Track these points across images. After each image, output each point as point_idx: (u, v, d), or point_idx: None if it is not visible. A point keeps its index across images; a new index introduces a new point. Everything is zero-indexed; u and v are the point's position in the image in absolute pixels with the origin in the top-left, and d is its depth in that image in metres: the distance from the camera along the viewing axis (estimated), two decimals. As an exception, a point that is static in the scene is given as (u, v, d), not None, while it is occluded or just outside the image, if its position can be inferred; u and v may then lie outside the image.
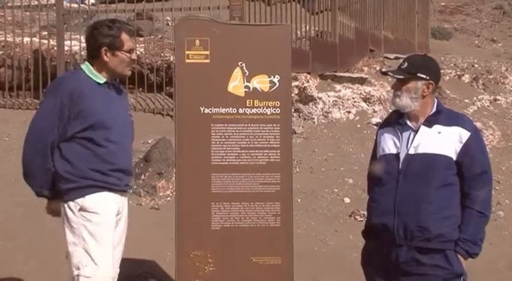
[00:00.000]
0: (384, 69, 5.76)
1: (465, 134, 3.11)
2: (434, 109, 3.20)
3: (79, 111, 3.27)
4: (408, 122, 3.22)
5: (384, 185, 3.21)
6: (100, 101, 3.35)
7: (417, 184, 3.11)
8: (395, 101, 3.22)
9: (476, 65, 11.38)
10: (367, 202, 3.42)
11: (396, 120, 3.27)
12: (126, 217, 3.58)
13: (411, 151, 3.15)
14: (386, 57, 11.37)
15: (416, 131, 3.18)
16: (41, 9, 9.86)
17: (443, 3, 19.57)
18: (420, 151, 3.13)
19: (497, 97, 10.53)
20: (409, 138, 3.18)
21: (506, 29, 17.87)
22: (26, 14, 9.67)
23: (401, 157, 3.17)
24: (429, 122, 3.17)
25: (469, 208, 3.11)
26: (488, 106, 10.26)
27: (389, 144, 3.25)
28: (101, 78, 3.40)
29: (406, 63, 3.21)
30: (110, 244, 3.34)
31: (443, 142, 3.11)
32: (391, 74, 3.25)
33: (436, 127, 3.15)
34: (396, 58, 11.32)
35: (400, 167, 3.15)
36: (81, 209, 3.30)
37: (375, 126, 9.06)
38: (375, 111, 9.40)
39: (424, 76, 3.16)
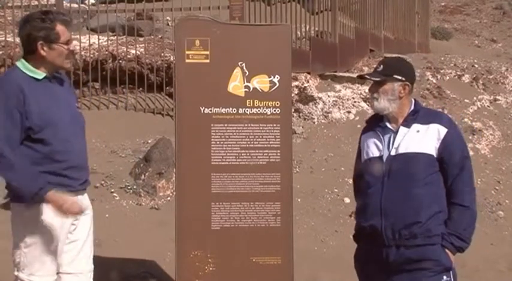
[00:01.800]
0: (359, 74, 5.85)
1: (442, 130, 3.16)
2: (412, 109, 3.26)
3: (25, 111, 3.13)
4: (388, 124, 3.28)
5: (369, 188, 3.26)
6: (41, 99, 3.20)
7: (401, 183, 3.16)
8: (373, 104, 3.29)
9: (476, 65, 11.37)
10: (355, 206, 3.47)
11: (377, 124, 3.33)
12: (90, 214, 3.47)
13: (393, 152, 3.20)
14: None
15: (396, 132, 3.23)
16: (41, 9, 9.85)
17: (443, 3, 19.55)
18: (401, 151, 3.18)
19: (497, 97, 10.53)
20: (390, 140, 3.24)
21: (506, 29, 17.86)
22: (26, 14, 9.66)
23: (384, 159, 3.22)
24: (407, 122, 3.23)
25: (452, 202, 3.17)
26: (488, 106, 10.26)
27: (372, 148, 3.30)
28: (39, 74, 3.24)
29: (381, 66, 3.29)
30: (49, 250, 3.24)
31: (423, 140, 3.17)
32: (368, 77, 3.31)
33: (415, 126, 3.21)
34: (396, 58, 11.30)
35: (383, 168, 3.20)
36: (26, 213, 3.20)
37: (375, 126, 9.06)
38: (374, 112, 9.39)
39: (399, 77, 3.22)
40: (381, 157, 3.24)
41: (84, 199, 3.43)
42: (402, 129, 3.22)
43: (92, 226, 3.51)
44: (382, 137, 3.27)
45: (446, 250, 3.14)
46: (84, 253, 3.44)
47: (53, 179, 3.21)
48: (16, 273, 3.27)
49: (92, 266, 3.49)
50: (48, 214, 3.22)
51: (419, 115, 3.24)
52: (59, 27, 3.24)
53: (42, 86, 3.25)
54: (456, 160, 3.17)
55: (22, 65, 3.26)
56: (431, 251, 3.14)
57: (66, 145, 3.25)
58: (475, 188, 3.29)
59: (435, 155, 3.16)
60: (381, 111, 3.27)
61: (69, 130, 3.28)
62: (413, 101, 3.30)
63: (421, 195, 3.14)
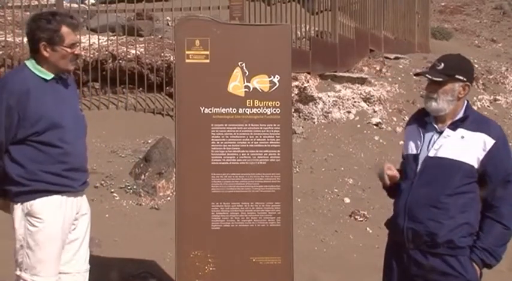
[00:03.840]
0: (417, 70, 5.56)
1: (489, 142, 2.97)
2: (462, 112, 3.08)
3: (29, 112, 3.14)
4: (433, 123, 3.10)
5: (401, 186, 3.14)
6: (49, 100, 3.20)
7: (431, 188, 3.02)
8: (430, 105, 3.06)
9: (476, 65, 11.37)
10: None
11: (421, 119, 3.16)
12: (88, 215, 3.49)
13: (431, 153, 3.05)
14: (387, 57, 11.37)
15: (440, 133, 3.07)
16: (41, 9, 9.85)
17: (443, 3, 19.55)
18: (440, 154, 3.02)
19: (497, 97, 10.54)
20: (431, 140, 3.08)
21: (506, 29, 17.86)
22: (26, 14, 9.66)
23: (421, 158, 3.08)
24: (455, 126, 3.05)
25: (490, 218, 3.01)
26: (488, 106, 10.26)
27: (411, 143, 3.15)
28: (48, 74, 3.24)
29: (442, 64, 3.06)
30: (52, 251, 3.26)
31: (466, 148, 3.00)
32: (429, 76, 3.06)
33: (460, 131, 3.03)
34: (396, 58, 11.33)
35: (417, 169, 3.07)
36: (28, 213, 3.22)
37: (375, 126, 9.07)
38: (374, 111, 9.40)
39: (462, 78, 3.03)
40: (416, 155, 3.09)
41: (82, 200, 3.45)
42: (447, 132, 3.04)
43: (89, 226, 3.52)
44: (422, 135, 3.10)
45: (474, 264, 3.02)
46: (81, 253, 3.45)
47: (55, 180, 3.23)
48: (18, 273, 3.28)
49: (88, 266, 3.50)
50: (50, 215, 3.24)
51: (468, 120, 3.05)
52: (64, 30, 3.23)
53: (49, 86, 3.25)
54: (500, 175, 2.99)
55: (31, 64, 3.26)
56: (456, 264, 3.01)
57: (70, 147, 3.27)
58: None
59: (476, 166, 2.98)
60: (436, 112, 3.07)
61: (73, 132, 3.29)
62: (465, 103, 3.10)
63: (448, 204, 2.99)
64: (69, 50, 3.25)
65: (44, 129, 3.18)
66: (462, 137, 3.02)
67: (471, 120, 3.05)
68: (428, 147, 3.07)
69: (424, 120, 3.14)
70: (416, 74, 3.39)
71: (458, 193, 2.99)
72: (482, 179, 3.01)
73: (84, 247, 3.46)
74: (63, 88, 3.35)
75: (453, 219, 2.99)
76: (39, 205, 3.22)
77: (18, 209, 3.24)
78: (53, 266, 3.28)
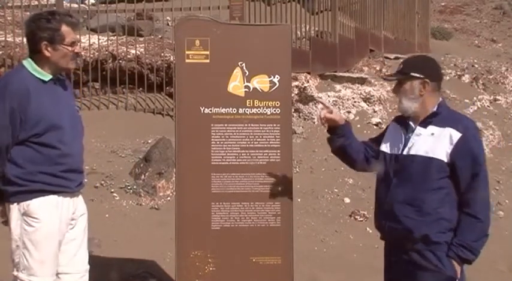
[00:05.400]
0: (385, 75, 5.63)
1: (456, 135, 3.01)
2: (435, 109, 3.13)
3: (29, 114, 3.14)
4: (411, 123, 3.17)
5: (380, 183, 3.24)
6: (48, 102, 3.20)
7: (407, 186, 3.08)
8: (399, 106, 3.19)
9: (476, 65, 11.38)
10: None
11: (405, 119, 3.22)
12: (85, 215, 3.49)
13: (405, 152, 3.12)
14: (387, 57, 11.38)
15: (412, 132, 3.14)
16: (41, 9, 9.86)
17: (443, 3, 19.56)
18: (412, 152, 3.09)
19: (497, 97, 10.53)
20: (407, 139, 3.15)
21: (506, 29, 17.87)
22: (26, 14, 9.66)
23: (399, 157, 3.15)
24: (425, 123, 3.11)
25: (465, 213, 3.03)
26: (488, 106, 10.26)
27: (390, 141, 3.23)
28: (46, 75, 3.23)
29: (401, 65, 3.18)
30: (50, 252, 3.26)
31: (435, 143, 3.04)
32: (388, 79, 3.25)
33: (430, 128, 3.08)
34: (396, 58, 11.32)
35: (394, 168, 3.15)
36: (25, 213, 3.21)
37: (375, 126, 9.07)
38: (374, 111, 9.40)
39: (417, 75, 3.09)
40: (392, 155, 3.17)
41: (79, 201, 3.44)
42: (418, 130, 3.11)
43: (87, 226, 3.52)
44: (402, 134, 3.17)
45: (453, 261, 3.03)
46: (81, 253, 3.45)
47: (52, 181, 3.23)
48: (16, 273, 3.27)
49: (87, 266, 3.50)
50: (47, 214, 3.23)
51: (439, 117, 3.09)
52: (64, 29, 3.23)
53: (47, 88, 3.25)
54: (470, 168, 3.01)
55: (29, 65, 3.26)
56: (432, 257, 3.04)
57: (68, 148, 3.26)
58: (490, 195, 3.13)
59: (446, 161, 3.02)
60: (404, 113, 3.16)
61: (70, 133, 3.29)
62: (439, 100, 3.15)
63: (424, 201, 3.04)
64: (70, 48, 3.25)
65: (43, 131, 3.17)
66: (432, 133, 3.07)
67: (441, 117, 3.09)
68: (404, 146, 3.14)
69: (406, 121, 3.21)
70: (384, 79, 3.46)
71: (433, 189, 3.04)
72: (454, 173, 3.04)
73: (83, 247, 3.46)
74: (61, 89, 3.34)
75: (429, 215, 3.04)
76: (36, 204, 3.21)
77: (14, 209, 3.24)
78: (50, 266, 3.28)
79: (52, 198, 3.25)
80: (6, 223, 3.33)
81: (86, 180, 3.51)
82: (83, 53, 8.74)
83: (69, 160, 3.27)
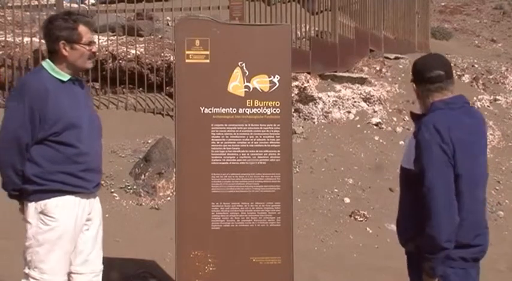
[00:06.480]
0: None
1: (413, 142, 2.91)
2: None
3: (48, 113, 3.19)
4: None
5: None
6: (67, 101, 3.25)
7: (401, 197, 3.09)
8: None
9: (476, 65, 11.37)
10: None
11: None
12: (100, 216, 3.53)
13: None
14: (387, 57, 11.37)
15: None
16: (41, 9, 9.86)
17: (443, 3, 19.56)
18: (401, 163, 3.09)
19: (497, 97, 10.52)
20: None
21: (506, 29, 17.87)
22: (26, 14, 9.67)
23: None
24: (415, 132, 3.00)
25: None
26: (488, 106, 10.25)
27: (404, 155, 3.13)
28: (64, 76, 3.29)
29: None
30: (64, 251, 3.30)
31: (407, 153, 2.99)
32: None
33: (411, 137, 2.99)
34: (396, 58, 11.32)
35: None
36: (42, 212, 3.26)
37: (375, 126, 9.07)
38: (375, 111, 9.39)
39: (412, 78, 3.08)
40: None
41: (95, 202, 3.49)
42: (407, 139, 3.10)
43: (101, 229, 3.56)
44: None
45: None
46: (96, 253, 3.50)
47: (70, 181, 3.27)
48: (27, 271, 3.30)
49: (101, 266, 3.54)
50: (63, 214, 3.27)
51: (419, 124, 2.94)
52: (81, 28, 3.29)
53: (66, 87, 3.30)
54: (420, 173, 2.85)
55: (48, 66, 3.31)
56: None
57: (87, 147, 3.31)
58: (435, 203, 2.82)
59: (414, 168, 2.90)
60: None
61: (88, 133, 3.34)
62: (430, 106, 2.97)
63: (411, 209, 2.95)
64: (87, 47, 3.31)
65: (62, 130, 3.23)
66: (409, 142, 3.01)
67: (421, 123, 2.94)
68: None
69: None
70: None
71: (416, 199, 2.90)
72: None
73: (98, 247, 3.51)
74: (79, 89, 3.40)
75: (406, 229, 3.02)
76: (53, 204, 3.26)
77: (31, 207, 3.28)
78: (62, 265, 3.32)
79: (69, 198, 3.29)
80: (25, 220, 3.37)
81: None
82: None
83: (87, 159, 3.32)
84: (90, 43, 3.33)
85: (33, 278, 3.27)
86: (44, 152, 3.23)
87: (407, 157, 2.98)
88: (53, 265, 3.27)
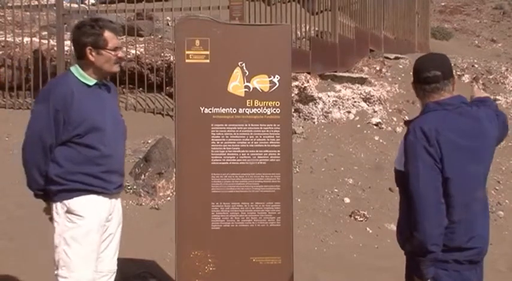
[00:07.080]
0: None
1: (402, 143, 2.87)
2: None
3: (72, 115, 3.27)
4: None
5: None
6: (92, 104, 3.34)
7: (400, 196, 3.02)
8: None
9: (476, 65, 11.37)
10: None
11: None
12: (120, 217, 3.61)
13: None
14: (387, 57, 11.37)
15: None
16: (41, 9, 9.87)
17: (443, 3, 19.57)
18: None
19: (497, 97, 10.52)
20: None
21: (506, 29, 17.88)
22: (26, 14, 9.67)
23: None
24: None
25: None
26: (488, 106, 10.24)
27: None
28: (91, 80, 3.39)
29: None
30: (91, 248, 3.36)
31: (398, 155, 2.95)
32: None
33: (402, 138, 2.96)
34: (396, 58, 11.32)
35: None
36: (67, 211, 3.33)
37: (375, 126, 9.07)
38: (375, 111, 9.40)
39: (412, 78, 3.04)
40: None
41: (117, 202, 3.55)
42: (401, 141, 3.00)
43: (119, 230, 3.61)
44: None
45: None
46: (113, 253, 3.56)
47: (91, 181, 3.34)
48: (56, 271, 3.36)
49: (116, 267, 3.58)
50: (88, 212, 3.33)
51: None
52: (107, 34, 3.38)
53: (91, 91, 3.38)
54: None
55: (76, 70, 3.40)
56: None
57: (109, 150, 3.38)
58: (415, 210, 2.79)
59: (404, 171, 2.85)
60: None
61: (112, 136, 3.41)
62: (424, 107, 2.95)
63: (403, 215, 2.93)
64: (113, 52, 3.39)
65: (85, 132, 3.30)
66: (401, 144, 2.97)
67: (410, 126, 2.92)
68: None
69: None
70: None
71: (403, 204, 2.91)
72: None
73: (117, 248, 3.57)
74: (105, 93, 3.48)
75: (401, 231, 2.98)
76: (78, 202, 3.33)
77: (57, 207, 3.35)
78: (90, 262, 3.37)
79: (93, 197, 3.36)
80: (52, 220, 3.44)
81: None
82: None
83: (109, 161, 3.39)
84: (116, 49, 3.41)
85: (63, 277, 3.33)
86: (66, 153, 3.31)
87: (399, 159, 2.94)
88: (81, 262, 3.33)
